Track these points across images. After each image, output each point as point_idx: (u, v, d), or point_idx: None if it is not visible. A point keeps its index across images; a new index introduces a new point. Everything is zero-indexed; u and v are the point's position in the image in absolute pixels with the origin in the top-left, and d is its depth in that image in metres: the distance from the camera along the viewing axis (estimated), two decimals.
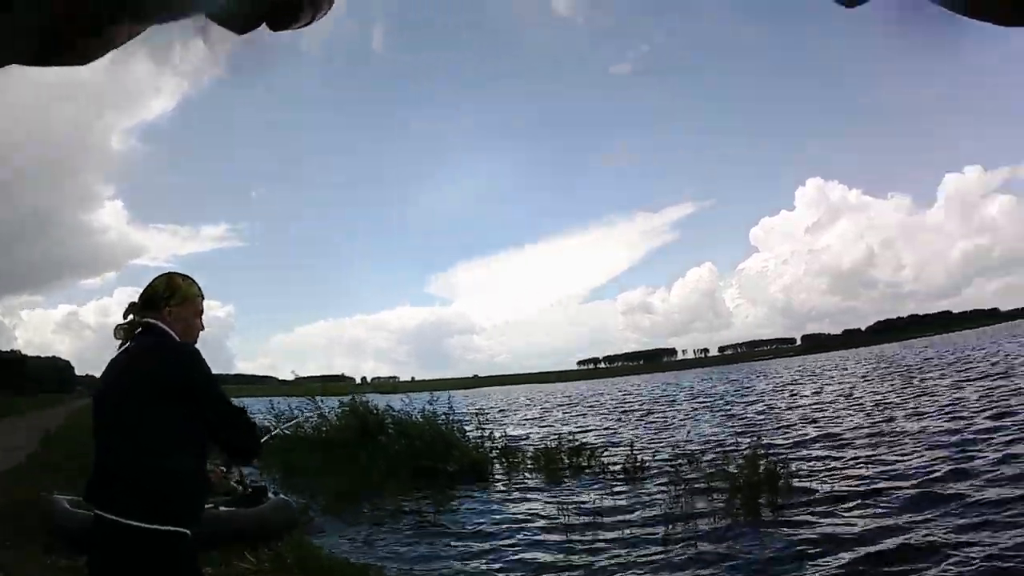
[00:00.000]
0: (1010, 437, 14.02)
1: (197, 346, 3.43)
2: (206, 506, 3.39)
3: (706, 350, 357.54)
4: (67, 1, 0.89)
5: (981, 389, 24.18)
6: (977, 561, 7.31)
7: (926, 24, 0.98)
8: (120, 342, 3.32)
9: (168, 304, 3.32)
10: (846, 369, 58.53)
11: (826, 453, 15.19)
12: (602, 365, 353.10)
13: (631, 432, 24.69)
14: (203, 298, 3.50)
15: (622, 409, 39.89)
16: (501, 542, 10.43)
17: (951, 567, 7.29)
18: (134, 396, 3.05)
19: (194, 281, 3.47)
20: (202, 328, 3.47)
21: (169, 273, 3.46)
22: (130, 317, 3.34)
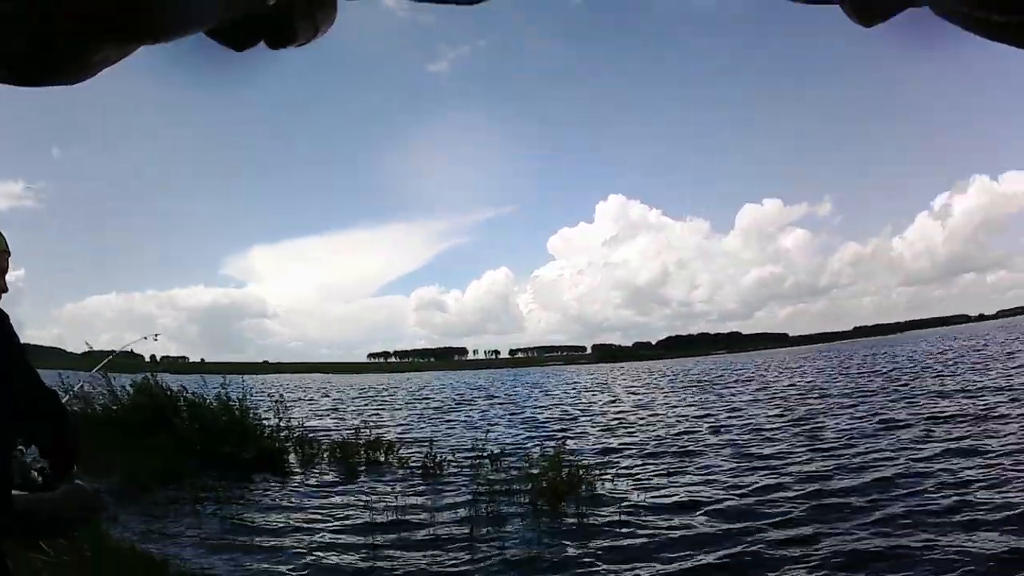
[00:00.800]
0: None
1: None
2: None
3: (497, 352, 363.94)
4: (51, 20, 0.83)
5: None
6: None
7: (930, 38, 1.02)
8: None
9: None
10: (638, 379, 60.95)
11: (627, 459, 15.82)
12: (393, 359, 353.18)
13: (429, 428, 24.79)
14: (8, 253, 3.10)
15: (416, 405, 40.01)
16: (298, 536, 10.23)
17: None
18: None
19: (1, 235, 3.07)
20: (5, 289, 3.07)
21: None
22: None
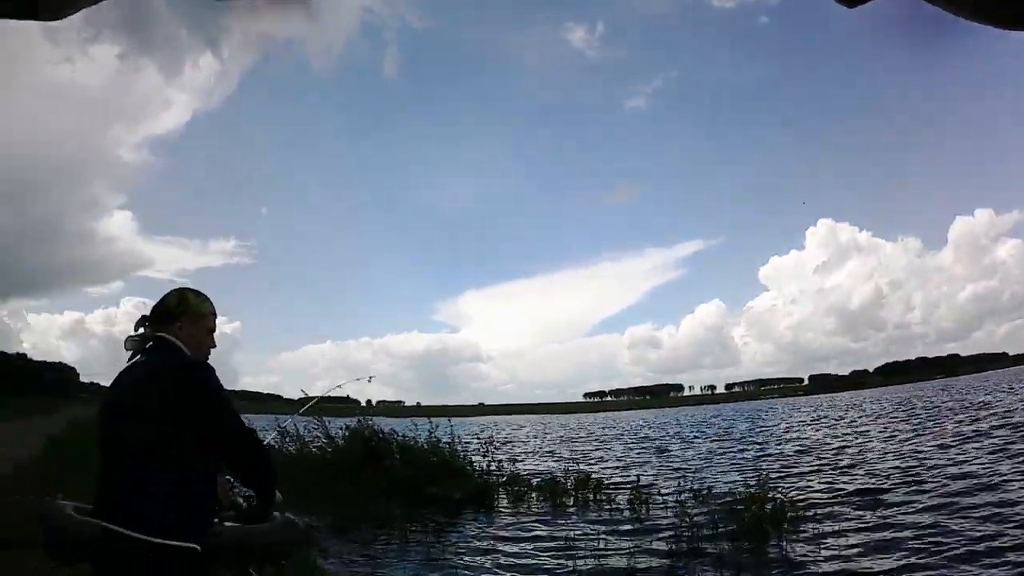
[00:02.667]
0: None
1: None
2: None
3: (713, 387, 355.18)
4: None
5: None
6: None
7: (925, 27, 0.93)
8: (130, 354, 3.31)
9: (180, 319, 3.32)
10: (863, 410, 58.04)
11: (837, 494, 14.92)
12: (608, 398, 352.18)
13: (638, 466, 24.56)
14: (215, 316, 3.49)
15: (629, 443, 39.68)
16: (505, 572, 10.33)
17: None
18: (145, 411, 3.02)
19: (207, 298, 3.48)
20: (213, 345, 3.46)
21: (182, 289, 3.46)
22: (141, 330, 3.34)
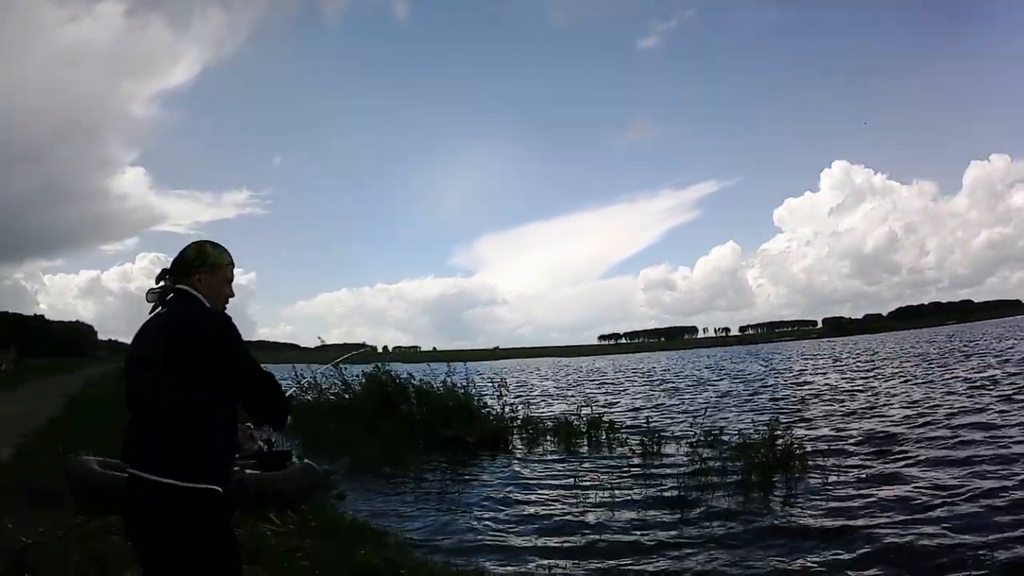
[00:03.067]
0: None
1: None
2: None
3: (727, 329, 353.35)
4: None
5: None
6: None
7: None
8: (152, 306, 3.43)
9: (199, 271, 3.42)
10: (875, 353, 57.84)
11: (846, 439, 15.02)
12: (623, 341, 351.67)
13: (649, 409, 24.78)
14: (233, 266, 3.59)
15: (642, 386, 39.93)
16: (518, 513, 10.56)
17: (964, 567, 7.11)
18: (167, 360, 3.15)
19: (224, 249, 3.57)
20: (231, 295, 3.57)
21: (200, 241, 3.55)
22: (162, 283, 3.45)
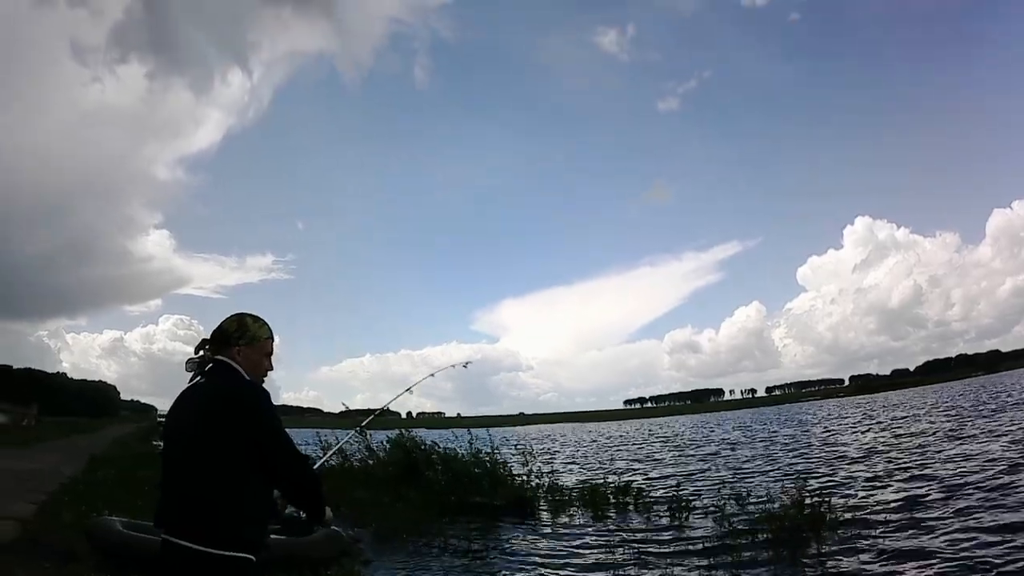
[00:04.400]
0: None
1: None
2: None
3: (754, 390, 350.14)
4: None
5: None
6: None
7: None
8: (191, 375, 3.50)
9: (238, 344, 3.49)
10: (903, 411, 57.13)
11: (876, 501, 14.72)
12: (649, 404, 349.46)
13: (677, 473, 24.57)
14: (272, 339, 3.65)
15: (669, 450, 39.60)
16: None
17: None
18: (205, 432, 3.22)
19: (265, 323, 3.64)
20: (270, 368, 3.63)
21: (241, 314, 3.63)
22: (201, 352, 3.52)
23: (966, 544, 10.27)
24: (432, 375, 9.91)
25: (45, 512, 10.91)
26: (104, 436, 37.92)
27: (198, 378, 3.47)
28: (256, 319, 3.62)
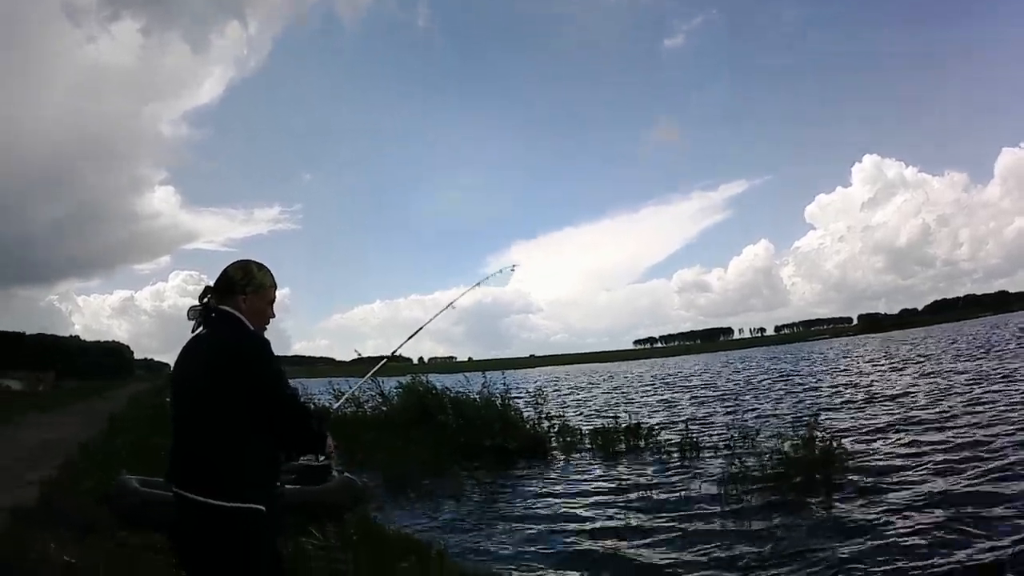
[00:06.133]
0: None
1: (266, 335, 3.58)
2: None
3: (763, 329, 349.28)
4: None
5: None
6: None
7: None
8: (193, 324, 3.48)
9: (243, 292, 3.47)
10: (906, 349, 57.13)
11: (891, 439, 14.81)
12: (659, 344, 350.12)
13: (687, 412, 24.73)
14: (276, 287, 3.64)
15: (679, 390, 39.73)
16: (559, 520, 10.59)
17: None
18: (211, 386, 3.23)
19: (269, 271, 3.61)
20: (273, 316, 3.63)
21: (245, 261, 3.60)
22: (206, 299, 3.48)
23: (981, 492, 10.10)
24: (419, 330, 9.88)
25: (64, 476, 11.00)
26: (120, 397, 37.97)
27: (200, 328, 3.47)
28: (261, 266, 3.59)
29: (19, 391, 38.55)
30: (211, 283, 3.55)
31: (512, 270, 9.97)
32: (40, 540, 6.92)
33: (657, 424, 19.39)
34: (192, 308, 3.50)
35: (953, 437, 13.97)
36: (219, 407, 3.20)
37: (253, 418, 3.22)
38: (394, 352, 8.31)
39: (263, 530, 3.21)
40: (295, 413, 3.38)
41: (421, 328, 8.06)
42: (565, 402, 29.14)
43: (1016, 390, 19.74)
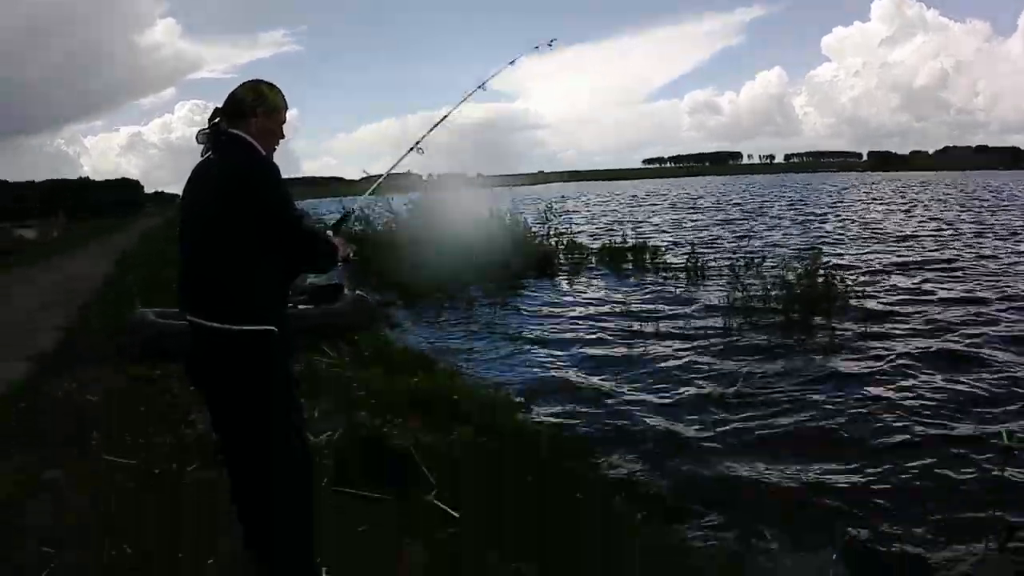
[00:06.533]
0: None
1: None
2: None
3: (772, 156, 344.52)
4: None
5: None
6: None
7: None
8: (203, 148, 3.35)
9: (254, 114, 3.31)
10: (926, 192, 56.31)
11: (893, 281, 14.73)
12: (668, 165, 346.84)
13: (694, 234, 24.82)
14: (287, 108, 3.47)
15: (688, 211, 39.77)
16: (565, 334, 10.88)
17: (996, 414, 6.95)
18: (220, 210, 3.16)
19: (279, 91, 3.44)
20: (283, 137, 3.47)
21: (256, 81, 3.43)
22: (216, 121, 3.32)
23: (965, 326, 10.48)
24: (419, 141, 9.62)
25: (82, 316, 11.10)
26: (132, 234, 37.87)
27: (210, 153, 3.34)
28: (272, 86, 3.42)
29: (32, 240, 38.51)
30: (220, 106, 3.37)
31: (551, 45, 9.38)
32: (65, 382, 7.11)
33: (664, 245, 19.51)
34: (201, 131, 3.36)
35: (958, 288, 13.68)
36: (229, 232, 3.14)
37: (263, 242, 3.15)
38: (392, 168, 8.19)
39: (275, 352, 3.21)
40: (303, 235, 3.30)
41: (423, 138, 7.88)
42: (572, 220, 29.03)
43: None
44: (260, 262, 3.17)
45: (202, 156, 3.37)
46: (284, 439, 3.27)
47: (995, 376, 8.07)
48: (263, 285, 3.20)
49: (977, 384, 7.81)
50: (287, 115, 3.50)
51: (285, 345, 3.31)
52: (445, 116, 7.31)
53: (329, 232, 3.66)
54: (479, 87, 8.14)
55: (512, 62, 9.50)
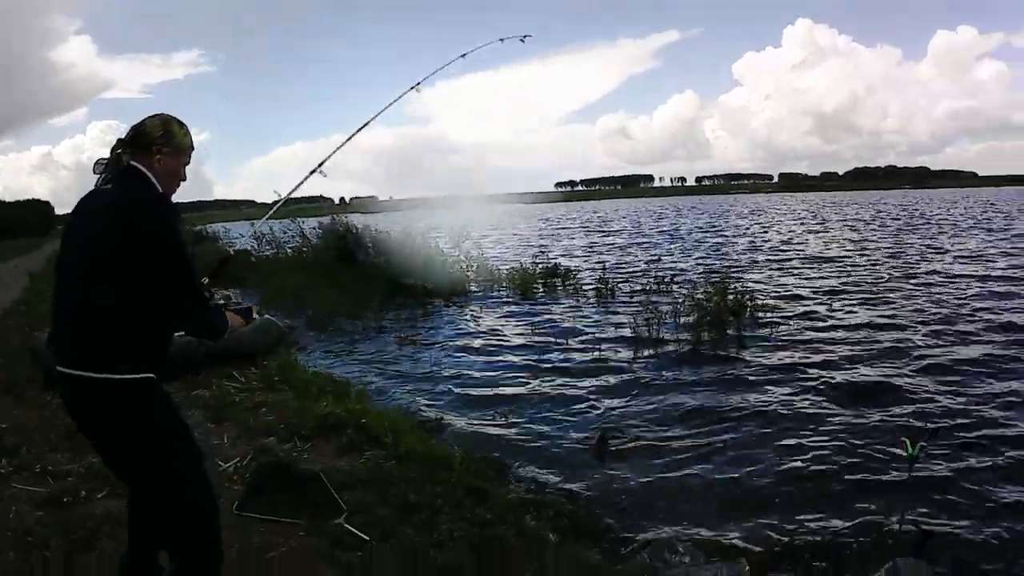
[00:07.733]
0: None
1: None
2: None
3: (683, 179, 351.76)
4: None
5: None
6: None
7: None
8: (98, 177, 3.17)
9: (160, 151, 3.13)
10: (825, 211, 58.21)
11: (796, 289, 15.49)
12: (580, 188, 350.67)
13: (605, 256, 25.14)
14: (193, 149, 3.31)
15: (598, 234, 40.20)
16: (478, 357, 10.89)
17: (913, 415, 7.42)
18: (113, 246, 2.91)
19: (188, 131, 3.26)
20: (184, 180, 3.28)
21: (166, 117, 3.22)
22: (118, 153, 3.11)
23: (864, 334, 11.10)
24: (327, 158, 9.59)
25: None
26: (41, 255, 36.77)
27: (107, 184, 3.12)
28: (182, 125, 3.23)
29: None
30: (123, 137, 3.15)
31: (523, 40, 8.93)
32: None
33: (574, 267, 19.69)
34: (99, 161, 3.18)
35: (866, 304, 14.02)
36: (121, 269, 2.90)
37: (158, 280, 2.94)
38: (293, 191, 8.14)
39: (158, 399, 3.02)
40: (193, 290, 3.07)
41: (323, 162, 7.84)
42: (485, 242, 29.09)
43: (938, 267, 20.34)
44: (151, 301, 2.97)
45: (96, 186, 3.18)
46: (178, 486, 3.12)
47: (906, 383, 8.44)
48: (151, 327, 3.01)
49: (884, 396, 8.12)
50: (195, 141, 3.39)
51: (171, 378, 3.12)
52: (349, 138, 7.26)
53: (222, 298, 3.54)
54: (383, 110, 8.12)
55: (424, 79, 9.51)
